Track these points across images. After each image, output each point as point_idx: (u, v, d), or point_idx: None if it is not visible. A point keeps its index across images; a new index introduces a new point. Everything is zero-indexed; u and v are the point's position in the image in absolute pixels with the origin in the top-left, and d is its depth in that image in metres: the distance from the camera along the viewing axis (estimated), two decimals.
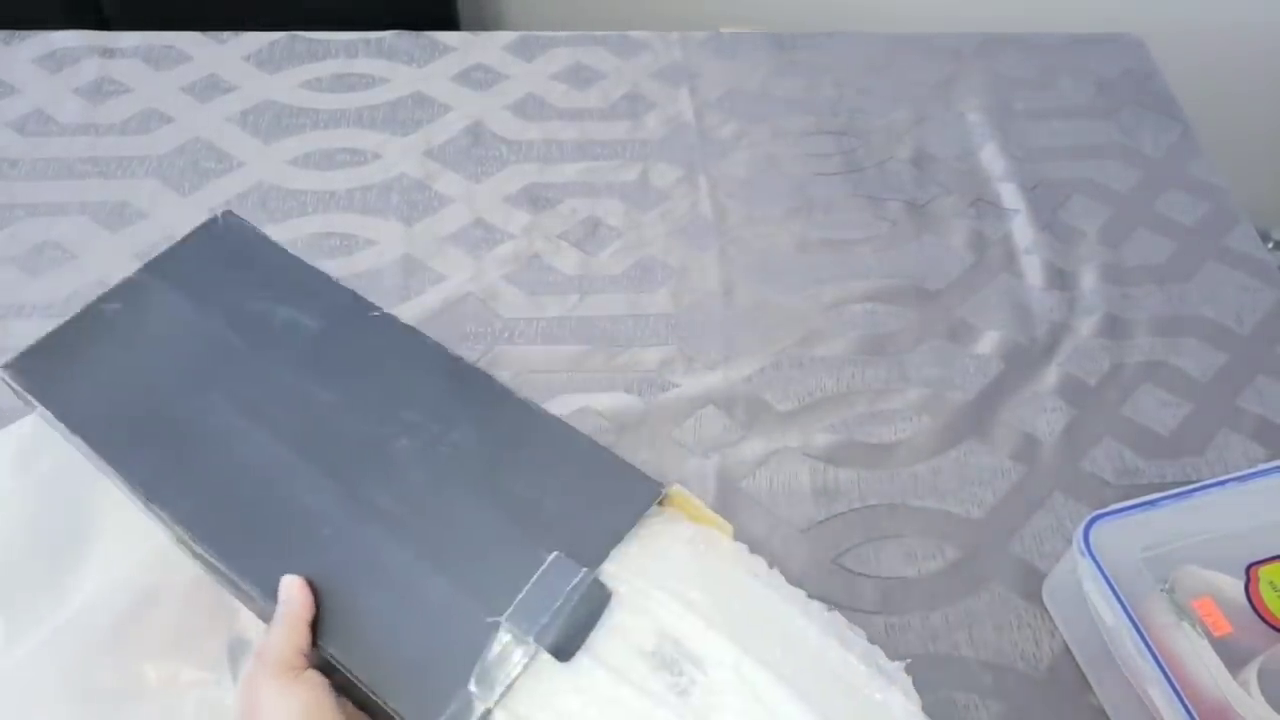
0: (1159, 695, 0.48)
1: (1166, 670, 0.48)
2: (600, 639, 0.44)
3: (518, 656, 0.44)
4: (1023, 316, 0.75)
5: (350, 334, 0.57)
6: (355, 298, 0.59)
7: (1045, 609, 0.60)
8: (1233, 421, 0.69)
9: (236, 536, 0.49)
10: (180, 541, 0.51)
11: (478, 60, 0.93)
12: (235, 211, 0.64)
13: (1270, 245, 1.45)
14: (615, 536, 0.47)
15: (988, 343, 0.73)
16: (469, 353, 0.70)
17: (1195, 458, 0.67)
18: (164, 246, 0.60)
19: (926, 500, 0.64)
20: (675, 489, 0.50)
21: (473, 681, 0.43)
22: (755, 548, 0.61)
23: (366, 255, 0.76)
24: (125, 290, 0.59)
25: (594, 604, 0.45)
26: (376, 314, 0.58)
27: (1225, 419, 0.69)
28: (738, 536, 0.62)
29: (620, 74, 0.93)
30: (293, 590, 0.46)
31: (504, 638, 0.44)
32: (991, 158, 0.87)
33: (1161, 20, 1.15)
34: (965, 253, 0.79)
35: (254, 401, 0.54)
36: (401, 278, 0.75)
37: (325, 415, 0.53)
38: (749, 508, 0.63)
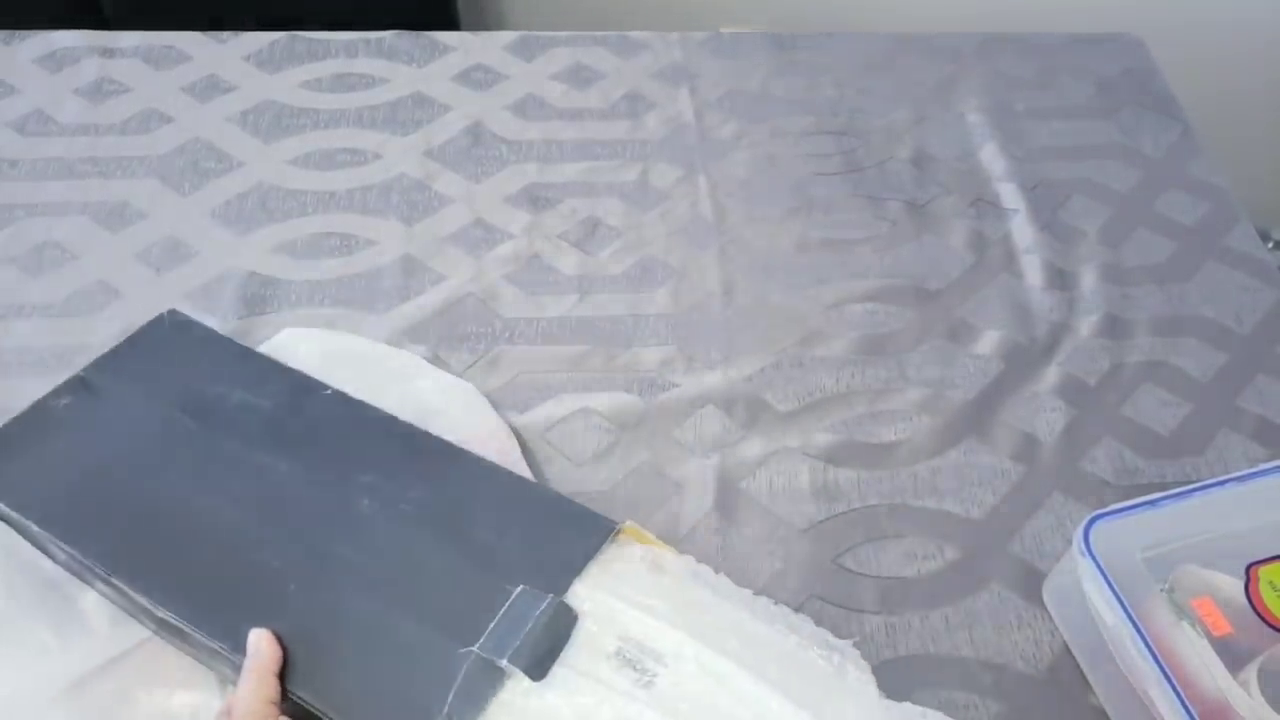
0: (1159, 695, 0.48)
1: (1166, 670, 0.48)
2: (567, 650, 0.46)
3: (492, 678, 0.44)
4: (1023, 316, 0.75)
5: (303, 411, 0.58)
6: (305, 379, 0.60)
7: (1045, 609, 0.59)
8: (1233, 421, 0.69)
9: (200, 598, 0.49)
10: (146, 614, 0.51)
11: (478, 60, 0.93)
12: (179, 310, 0.64)
13: (1270, 245, 1.45)
14: (577, 568, 0.49)
15: (988, 343, 0.73)
16: (469, 353, 0.70)
17: (1195, 458, 0.67)
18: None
19: (926, 500, 0.64)
20: (628, 525, 0.52)
21: (448, 707, 0.43)
22: (755, 548, 0.62)
23: (366, 255, 0.76)
24: (73, 385, 0.59)
25: (563, 625, 0.46)
26: (328, 392, 0.59)
27: (1225, 419, 0.69)
28: (738, 536, 0.62)
29: (620, 74, 0.93)
30: (260, 643, 0.46)
31: (478, 662, 0.45)
32: (991, 158, 0.87)
33: (1161, 20, 1.15)
34: (965, 253, 0.79)
35: (212, 477, 0.54)
36: (401, 278, 0.75)
37: (285, 484, 0.53)
38: (749, 508, 0.63)
